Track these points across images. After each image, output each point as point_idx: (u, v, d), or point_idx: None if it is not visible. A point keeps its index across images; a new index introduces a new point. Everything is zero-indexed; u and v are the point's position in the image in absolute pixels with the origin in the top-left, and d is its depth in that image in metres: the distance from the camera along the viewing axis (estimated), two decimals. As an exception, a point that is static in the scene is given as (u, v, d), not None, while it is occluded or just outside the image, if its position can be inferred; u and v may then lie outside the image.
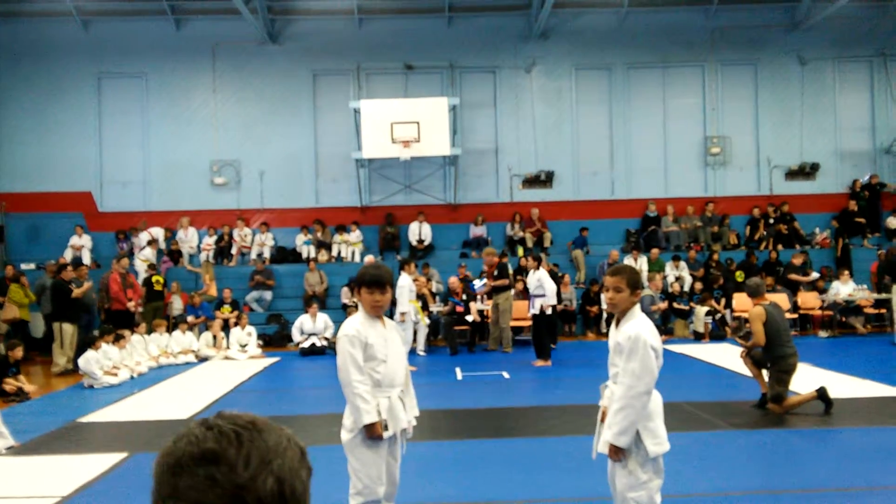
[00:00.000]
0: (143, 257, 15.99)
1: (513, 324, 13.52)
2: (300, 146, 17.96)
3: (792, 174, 18.28)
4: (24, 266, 15.74)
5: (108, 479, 5.96)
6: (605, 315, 14.99)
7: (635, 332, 3.57)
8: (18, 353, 9.99)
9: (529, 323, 12.43)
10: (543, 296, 11.63)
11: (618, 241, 17.46)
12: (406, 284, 12.01)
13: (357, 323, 3.88)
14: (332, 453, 5.64)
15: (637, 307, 3.73)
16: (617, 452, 3.55)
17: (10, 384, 9.62)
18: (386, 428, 3.84)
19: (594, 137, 18.24)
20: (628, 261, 15.74)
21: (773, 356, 7.62)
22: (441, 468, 6.04)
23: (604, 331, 14.68)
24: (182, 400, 9.36)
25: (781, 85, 18.32)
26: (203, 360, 13.22)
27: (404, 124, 16.27)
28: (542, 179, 18.11)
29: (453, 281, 14.59)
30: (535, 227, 17.50)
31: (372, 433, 3.77)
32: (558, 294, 13.65)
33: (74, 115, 17.57)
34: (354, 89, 17.74)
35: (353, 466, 3.82)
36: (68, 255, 16.13)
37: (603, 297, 15.73)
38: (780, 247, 16.93)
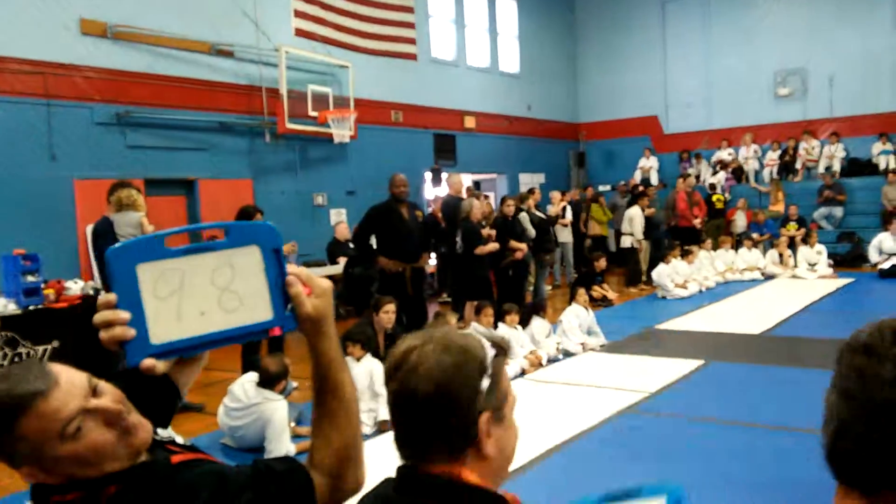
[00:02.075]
0: (711, 178, 16.41)
1: None
2: (878, 42, 15.91)
3: None
4: (601, 188, 17.61)
5: (688, 381, 6.52)
6: None
7: None
8: (602, 263, 11.36)
9: None
10: None
11: None
12: None
13: None
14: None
15: None
16: None
17: (597, 291, 11.05)
18: None
19: None
20: None
21: None
22: None
23: None
24: (750, 316, 9.51)
25: None
26: (769, 277, 13.09)
27: None
28: None
29: None
30: None
31: None
32: None
33: (640, 44, 18.65)
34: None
35: None
36: (637, 177, 17.49)
37: None
38: None
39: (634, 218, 12.79)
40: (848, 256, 14.06)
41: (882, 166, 15.26)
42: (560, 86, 19.11)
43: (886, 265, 12.39)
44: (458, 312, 8.06)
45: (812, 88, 16.73)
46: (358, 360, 5.61)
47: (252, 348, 6.35)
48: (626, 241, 12.93)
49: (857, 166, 15.77)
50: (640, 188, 14.26)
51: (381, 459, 1.61)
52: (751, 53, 17.25)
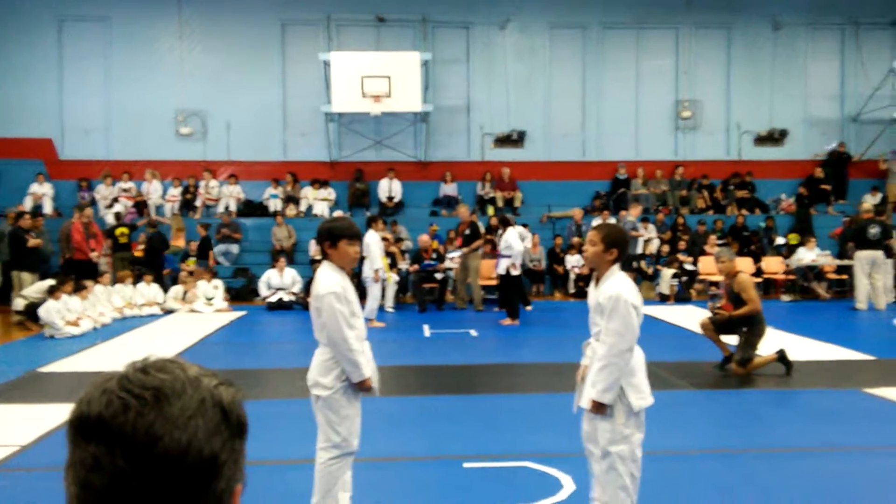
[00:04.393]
0: (112, 208, 15.69)
1: (481, 282, 13.51)
2: (269, 98, 17.59)
3: (761, 140, 18.41)
4: (-19, 213, 15.32)
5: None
6: (571, 276, 15.05)
7: (616, 291, 3.54)
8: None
9: (497, 282, 12.43)
10: (510, 256, 11.62)
11: (587, 203, 17.48)
12: (375, 241, 11.91)
13: (338, 278, 3.80)
14: (294, 407, 5.62)
15: (616, 266, 3.67)
16: (601, 408, 3.56)
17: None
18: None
19: (567, 98, 18.14)
20: (596, 222, 15.78)
21: (753, 321, 7.71)
22: (407, 423, 6.05)
23: (570, 291, 14.76)
24: (145, 352, 9.22)
25: (754, 50, 18.34)
26: (168, 312, 13.06)
27: (375, 78, 16.00)
28: (513, 139, 18.00)
29: (423, 239, 14.52)
30: (505, 186, 17.44)
31: (364, 387, 3.79)
32: (527, 254, 13.66)
33: (35, 58, 16.97)
34: (325, 41, 17.34)
35: (331, 420, 3.77)
36: (28, 203, 15.75)
37: (571, 257, 15.71)
38: (744, 211, 17.07)
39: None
40: (242, 290, 14.99)
41: (272, 209, 16.79)
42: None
43: (273, 299, 13.59)
44: None
45: (212, 131, 17.53)
46: None
47: None
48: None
49: (251, 207, 17.06)
50: (27, 217, 12.81)
51: None
52: (154, 88, 17.22)
